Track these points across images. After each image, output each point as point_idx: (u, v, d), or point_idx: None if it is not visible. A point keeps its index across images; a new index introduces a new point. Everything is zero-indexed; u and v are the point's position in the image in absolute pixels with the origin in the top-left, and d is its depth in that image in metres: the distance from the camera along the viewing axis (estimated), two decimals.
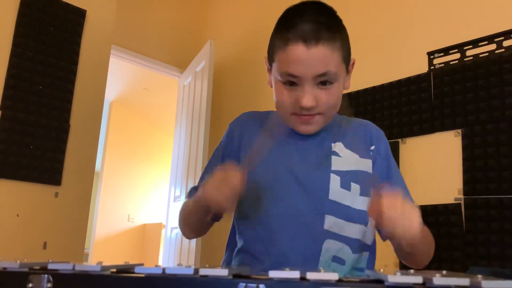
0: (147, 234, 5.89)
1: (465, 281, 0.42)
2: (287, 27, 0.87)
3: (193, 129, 3.33)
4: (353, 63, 0.98)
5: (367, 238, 0.94)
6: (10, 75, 2.32)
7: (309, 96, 0.87)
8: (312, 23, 0.85)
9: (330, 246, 0.89)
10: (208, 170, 1.07)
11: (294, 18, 0.88)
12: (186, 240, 3.09)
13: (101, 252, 5.31)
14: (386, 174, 0.98)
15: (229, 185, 0.81)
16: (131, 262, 0.62)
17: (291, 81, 0.88)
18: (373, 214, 0.75)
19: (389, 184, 0.97)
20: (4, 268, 0.56)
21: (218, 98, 3.42)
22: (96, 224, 5.39)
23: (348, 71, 0.95)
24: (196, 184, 1.06)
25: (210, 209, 0.84)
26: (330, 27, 0.87)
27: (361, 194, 0.93)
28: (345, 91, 0.98)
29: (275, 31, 0.93)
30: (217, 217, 0.98)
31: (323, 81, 0.87)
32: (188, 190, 1.08)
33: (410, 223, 0.73)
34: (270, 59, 0.95)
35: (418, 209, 0.75)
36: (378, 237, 1.00)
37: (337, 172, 0.93)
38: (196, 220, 1.01)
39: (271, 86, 0.99)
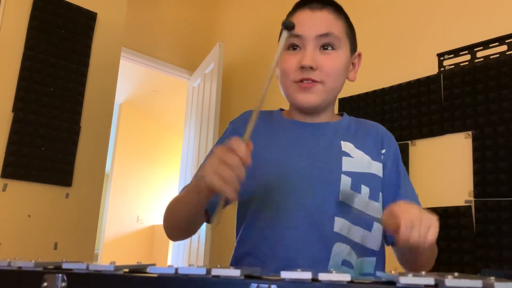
0: (156, 235, 5.92)
1: (478, 283, 0.41)
2: (297, 4, 0.98)
3: (202, 131, 3.35)
4: (360, 56, 1.01)
5: (371, 244, 0.91)
6: (22, 77, 2.35)
7: (309, 56, 0.91)
8: None
9: (339, 250, 0.87)
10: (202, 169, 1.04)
11: None
12: (195, 242, 3.10)
13: (111, 253, 5.34)
14: (395, 179, 0.97)
15: (231, 167, 0.68)
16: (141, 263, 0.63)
17: (294, 46, 0.94)
18: (389, 220, 0.73)
19: (398, 190, 0.96)
20: (19, 267, 0.57)
21: (227, 100, 3.42)
22: (106, 225, 5.42)
23: (353, 58, 0.99)
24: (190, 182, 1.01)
25: (209, 194, 0.78)
26: (336, 4, 0.97)
27: (369, 198, 0.92)
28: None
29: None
30: (208, 219, 0.95)
31: (325, 44, 0.93)
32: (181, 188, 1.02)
33: (429, 229, 0.71)
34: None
35: (436, 217, 0.73)
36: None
37: (348, 173, 0.91)
38: (187, 209, 0.91)
39: (278, 78, 1.01)
